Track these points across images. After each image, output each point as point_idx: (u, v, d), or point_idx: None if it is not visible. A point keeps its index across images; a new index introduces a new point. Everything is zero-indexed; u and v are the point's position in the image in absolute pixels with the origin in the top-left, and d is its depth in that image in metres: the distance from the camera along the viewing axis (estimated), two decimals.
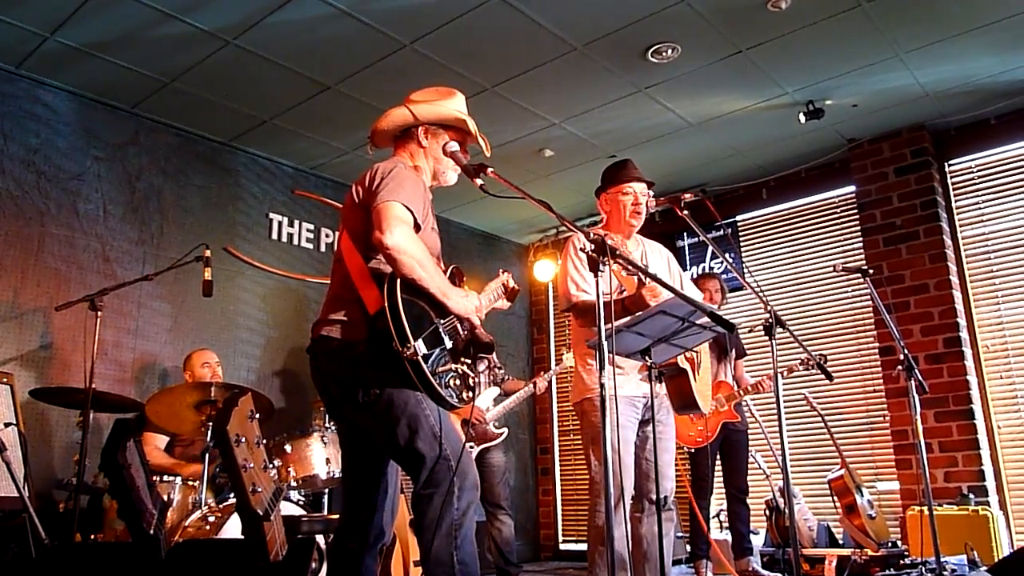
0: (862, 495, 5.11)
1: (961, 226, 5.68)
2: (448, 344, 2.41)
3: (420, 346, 2.25)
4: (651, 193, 3.46)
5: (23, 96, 4.74)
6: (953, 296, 5.43)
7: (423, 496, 2.32)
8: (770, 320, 2.95)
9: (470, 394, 2.48)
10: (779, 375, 3.00)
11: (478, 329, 2.56)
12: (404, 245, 2.30)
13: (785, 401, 4.91)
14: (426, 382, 2.28)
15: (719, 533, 5.55)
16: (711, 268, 6.75)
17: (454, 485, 2.31)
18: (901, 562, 4.54)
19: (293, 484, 4.09)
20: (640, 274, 2.77)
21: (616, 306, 3.05)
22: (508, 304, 2.90)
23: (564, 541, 7.43)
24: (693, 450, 4.99)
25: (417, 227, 2.44)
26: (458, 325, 2.49)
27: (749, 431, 5.17)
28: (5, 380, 4.10)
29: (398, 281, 2.32)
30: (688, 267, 6.77)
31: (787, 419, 4.80)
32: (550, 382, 7.51)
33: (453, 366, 2.42)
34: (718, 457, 5.08)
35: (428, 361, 2.29)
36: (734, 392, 4.98)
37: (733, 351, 5.18)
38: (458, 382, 2.42)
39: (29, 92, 4.77)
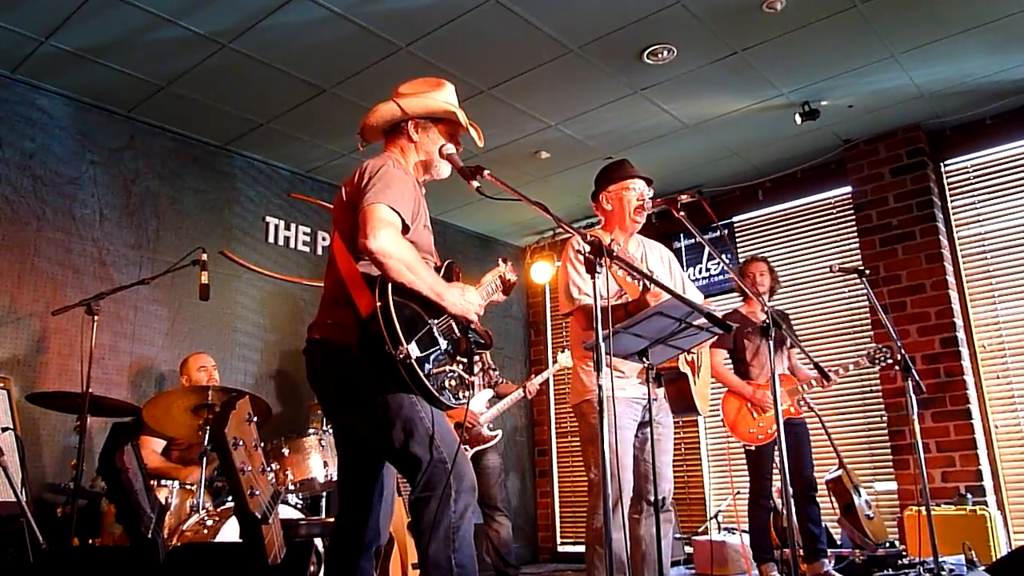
0: (860, 495, 5.12)
1: (957, 226, 5.69)
2: (443, 344, 2.40)
3: (413, 348, 2.24)
4: (651, 192, 3.48)
5: (19, 100, 4.73)
6: (950, 296, 5.44)
7: (420, 499, 2.31)
8: (767, 321, 2.96)
9: (467, 394, 2.46)
10: (776, 378, 3.00)
11: (475, 325, 2.54)
12: (390, 249, 2.28)
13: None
14: (420, 384, 2.27)
15: (719, 534, 5.55)
16: (708, 269, 6.76)
17: (451, 488, 2.29)
18: (899, 562, 4.54)
19: (291, 487, 4.08)
20: (644, 280, 2.78)
21: (618, 311, 3.05)
22: (504, 297, 2.87)
23: (562, 543, 7.43)
24: (753, 447, 4.65)
25: (406, 228, 2.42)
26: (453, 324, 2.47)
27: (808, 424, 4.84)
28: (2, 384, 4.11)
29: (389, 283, 2.31)
30: (684, 268, 6.77)
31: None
32: (546, 384, 7.50)
33: (449, 367, 2.41)
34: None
35: (423, 363, 2.28)
36: (796, 387, 4.70)
37: (788, 340, 4.86)
38: (454, 382, 2.41)
39: (25, 96, 4.76)
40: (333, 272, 2.51)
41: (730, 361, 4.91)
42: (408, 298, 2.34)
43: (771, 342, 2.99)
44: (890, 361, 4.52)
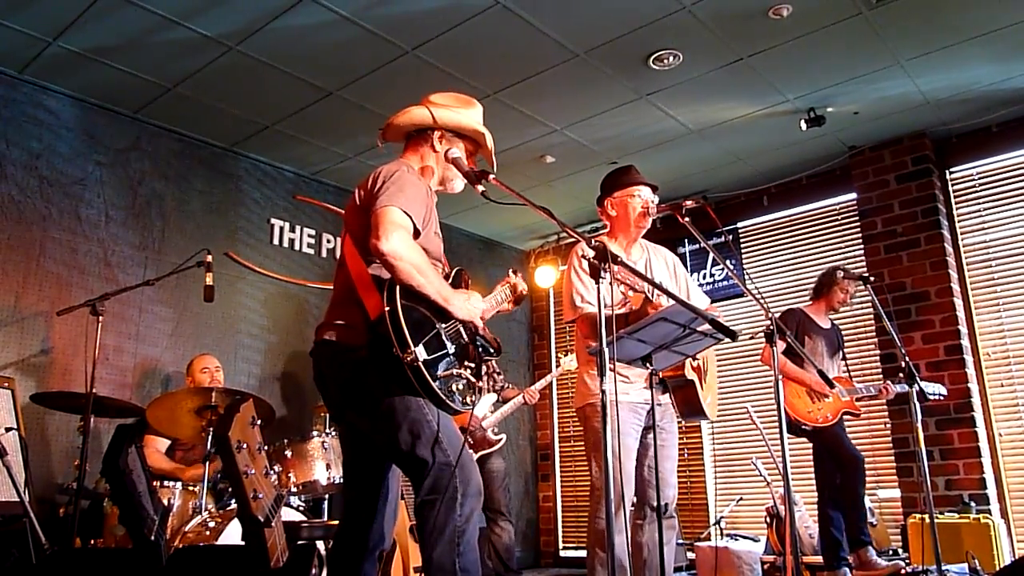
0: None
1: (962, 233, 5.68)
2: (451, 348, 2.40)
3: (420, 351, 2.25)
4: (656, 199, 3.48)
5: (26, 101, 4.75)
6: (954, 303, 5.43)
7: (426, 502, 2.31)
8: (771, 327, 2.95)
9: (474, 398, 2.46)
10: (780, 381, 2.99)
11: (482, 331, 2.55)
12: (400, 251, 2.29)
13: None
14: (427, 387, 2.27)
15: (722, 540, 5.53)
16: (712, 274, 6.75)
17: (457, 491, 2.30)
18: (902, 570, 4.52)
19: (293, 490, 4.08)
20: (647, 284, 2.77)
21: (619, 321, 3.06)
22: (513, 307, 2.89)
23: (564, 547, 7.41)
24: (810, 428, 4.56)
25: (417, 232, 2.43)
26: (460, 328, 2.48)
27: None
28: (6, 384, 4.11)
29: (398, 286, 2.31)
30: (689, 274, 6.75)
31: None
32: (549, 388, 7.51)
33: (456, 370, 2.41)
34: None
35: (431, 366, 2.29)
36: (854, 388, 4.73)
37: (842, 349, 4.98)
38: (461, 386, 2.41)
39: (32, 97, 4.78)
40: (343, 274, 2.52)
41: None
42: (416, 301, 2.35)
43: (775, 347, 2.98)
44: (941, 397, 4.65)
